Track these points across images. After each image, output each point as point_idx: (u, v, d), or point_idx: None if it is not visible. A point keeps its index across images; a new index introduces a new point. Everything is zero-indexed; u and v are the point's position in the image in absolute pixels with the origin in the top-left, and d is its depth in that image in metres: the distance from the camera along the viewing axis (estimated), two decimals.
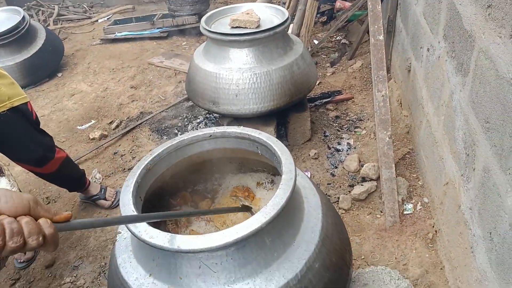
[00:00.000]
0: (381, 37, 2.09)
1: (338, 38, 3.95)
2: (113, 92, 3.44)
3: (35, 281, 1.91)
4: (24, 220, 0.65)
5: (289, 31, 3.36)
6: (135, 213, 1.04)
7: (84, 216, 2.19)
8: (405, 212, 1.89)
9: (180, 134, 2.76)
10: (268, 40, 2.11)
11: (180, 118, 2.97)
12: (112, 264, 1.15)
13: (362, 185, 2.12)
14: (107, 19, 5.17)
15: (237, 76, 2.10)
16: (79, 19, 5.29)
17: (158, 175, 1.31)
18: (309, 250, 1.09)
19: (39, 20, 5.12)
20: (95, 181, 2.38)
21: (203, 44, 2.42)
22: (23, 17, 3.57)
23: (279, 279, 1.01)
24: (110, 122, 3.05)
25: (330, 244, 1.16)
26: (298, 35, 3.32)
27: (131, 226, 0.98)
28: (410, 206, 1.91)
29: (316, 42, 3.83)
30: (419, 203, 1.91)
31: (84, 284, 1.83)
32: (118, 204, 2.21)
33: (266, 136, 1.27)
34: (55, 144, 1.93)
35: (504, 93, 1.07)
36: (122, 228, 1.21)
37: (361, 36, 3.34)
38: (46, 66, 3.73)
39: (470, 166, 1.33)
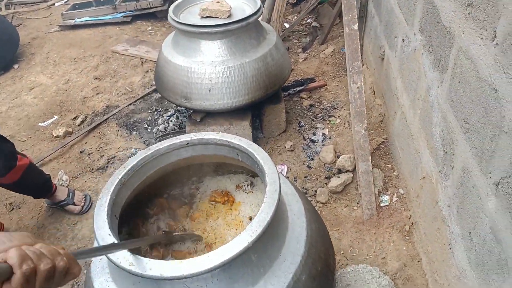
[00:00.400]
0: (356, 27, 2.05)
1: (308, 21, 3.89)
2: (75, 84, 3.25)
3: None
4: (38, 245, 0.63)
5: (260, 18, 3.27)
6: (111, 235, 0.97)
7: (52, 224, 2.07)
8: (381, 204, 1.92)
9: (151, 129, 2.66)
10: (241, 31, 2.03)
11: (149, 111, 2.85)
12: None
13: (338, 177, 2.12)
14: (65, 2, 4.85)
15: (210, 70, 2.01)
16: (34, 3, 4.93)
17: (133, 188, 1.23)
18: (295, 262, 1.07)
19: None
20: (61, 184, 2.25)
21: (171, 35, 2.30)
22: None
23: None
24: (75, 118, 2.88)
25: (315, 252, 1.15)
26: (269, 20, 3.23)
27: (112, 258, 0.92)
28: (386, 198, 1.93)
29: (287, 26, 3.75)
30: (395, 194, 1.94)
31: None
32: (88, 210, 2.12)
33: (246, 143, 1.22)
34: (16, 150, 1.80)
35: (486, 96, 1.06)
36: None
37: (332, 19, 3.30)
38: (0, 57, 3.46)
39: (449, 164, 1.34)
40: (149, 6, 4.11)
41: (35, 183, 1.91)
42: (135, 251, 0.95)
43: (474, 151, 1.14)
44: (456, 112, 1.26)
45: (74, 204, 2.07)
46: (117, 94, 3.10)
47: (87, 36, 3.97)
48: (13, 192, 2.26)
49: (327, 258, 1.20)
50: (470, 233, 1.19)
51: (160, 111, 2.82)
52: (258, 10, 2.05)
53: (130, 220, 1.36)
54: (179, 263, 0.90)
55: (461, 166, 1.24)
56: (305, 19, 3.92)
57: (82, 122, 2.83)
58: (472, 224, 1.17)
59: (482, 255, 1.11)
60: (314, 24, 3.80)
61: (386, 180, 2.04)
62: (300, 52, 3.40)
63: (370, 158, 1.94)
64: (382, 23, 2.28)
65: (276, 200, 1.02)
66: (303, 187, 2.14)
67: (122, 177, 1.16)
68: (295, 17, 3.89)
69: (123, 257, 0.92)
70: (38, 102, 3.09)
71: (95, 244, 1.15)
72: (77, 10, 4.23)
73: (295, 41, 3.60)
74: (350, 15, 2.06)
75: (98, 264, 1.10)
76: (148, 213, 1.44)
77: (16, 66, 3.57)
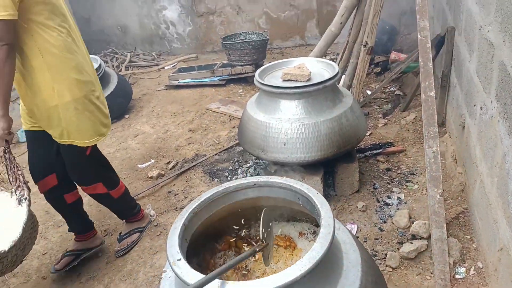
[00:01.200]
0: (432, 94, 2.08)
1: (392, 89, 3.96)
2: (172, 134, 3.69)
3: None
4: None
5: (341, 83, 3.45)
6: (179, 253, 1.11)
7: (135, 251, 2.32)
8: (456, 276, 1.79)
9: (231, 177, 2.87)
10: (318, 93, 2.20)
11: (231, 161, 3.10)
12: None
13: (411, 243, 2.04)
14: (173, 66, 5.63)
15: (286, 126, 2.18)
16: (148, 66, 5.81)
17: (204, 219, 1.39)
18: None
19: (112, 66, 5.69)
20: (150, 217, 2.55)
21: (256, 95, 2.56)
22: (100, 65, 4.00)
23: None
24: (168, 162, 3.25)
25: None
26: (349, 86, 3.38)
27: (175, 267, 1.06)
28: (462, 270, 1.80)
29: (369, 92, 3.86)
30: (473, 267, 1.80)
31: None
32: None
33: (307, 188, 1.32)
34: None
35: None
36: (167, 267, 1.28)
37: (415, 88, 3.33)
38: (116, 108, 4.10)
39: None
40: (241, 72, 4.58)
41: (129, 203, 2.35)
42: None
43: None
44: None
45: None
46: (206, 145, 3.43)
47: (187, 95, 4.52)
48: (108, 220, 2.59)
49: None
50: None
51: (240, 162, 3.05)
52: (335, 76, 2.22)
53: (200, 253, 1.50)
54: (233, 284, 0.99)
55: None
56: (389, 87, 3.99)
57: (173, 166, 3.17)
58: None
59: None
60: (397, 92, 3.85)
61: (464, 251, 1.91)
62: (380, 117, 3.44)
63: (445, 225, 1.86)
64: (463, 92, 2.27)
65: (328, 241, 1.08)
66: (373, 249, 2.10)
67: (195, 207, 1.32)
68: (378, 85, 3.98)
69: (187, 272, 1.04)
70: (140, 147, 3.56)
71: (167, 263, 1.30)
72: (182, 73, 4.88)
73: (376, 107, 3.66)
74: (427, 82, 2.10)
75: (167, 281, 1.24)
76: (217, 248, 1.56)
77: (127, 116, 4.20)
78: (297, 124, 2.17)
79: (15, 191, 1.80)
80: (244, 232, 1.66)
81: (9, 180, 1.85)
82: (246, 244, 1.62)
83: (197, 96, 4.46)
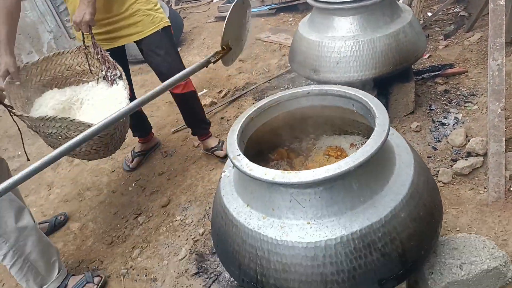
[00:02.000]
0: (502, 2, 1.90)
1: (456, 10, 3.64)
2: (223, 65, 3.73)
3: (153, 217, 2.27)
4: None
5: (400, 1, 3.22)
6: (239, 151, 1.19)
7: (194, 169, 2.50)
8: (511, 189, 1.76)
9: None
10: (374, 7, 2.09)
11: (281, 88, 3.11)
12: (216, 196, 1.35)
13: (466, 159, 2.01)
14: None
15: (340, 44, 2.13)
16: (197, 0, 5.76)
17: (259, 125, 1.46)
18: (396, 200, 1.13)
19: (163, 1, 5.71)
20: None
21: (308, 15, 2.49)
22: None
23: (363, 221, 1.08)
24: (219, 91, 3.33)
25: (420, 199, 1.18)
26: (409, 5, 3.16)
27: (235, 161, 1.15)
28: None
29: (429, 14, 3.59)
30: None
31: (191, 222, 2.13)
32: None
33: (362, 94, 1.33)
34: None
35: None
36: (226, 167, 1.39)
37: (482, 6, 3.04)
38: None
39: None
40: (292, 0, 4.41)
41: (199, 113, 2.45)
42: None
43: None
44: None
45: (221, 150, 2.49)
46: (256, 73, 3.45)
47: None
48: (168, 144, 2.78)
49: (431, 209, 1.22)
50: None
51: (290, 89, 3.05)
52: None
53: (255, 161, 1.59)
54: (288, 173, 1.06)
55: None
56: (452, 8, 3.68)
57: (225, 95, 3.26)
58: None
59: None
60: (462, 13, 3.54)
61: None
62: (441, 39, 3.22)
63: (503, 139, 1.80)
64: None
65: (382, 138, 1.10)
66: None
67: (251, 113, 1.39)
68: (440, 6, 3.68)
69: (246, 164, 1.13)
70: (192, 78, 3.65)
71: (226, 165, 1.41)
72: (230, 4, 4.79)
73: (437, 29, 3.42)
74: None
75: (226, 179, 1.35)
76: (270, 158, 1.65)
77: (179, 48, 4.27)
78: (351, 42, 2.10)
79: (107, 73, 1.92)
80: (296, 144, 1.72)
81: (90, 70, 2.00)
82: (298, 155, 1.70)
83: None
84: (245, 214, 1.18)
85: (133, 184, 2.59)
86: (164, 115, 3.23)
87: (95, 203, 2.52)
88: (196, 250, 1.97)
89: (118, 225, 2.30)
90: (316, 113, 1.55)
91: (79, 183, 2.73)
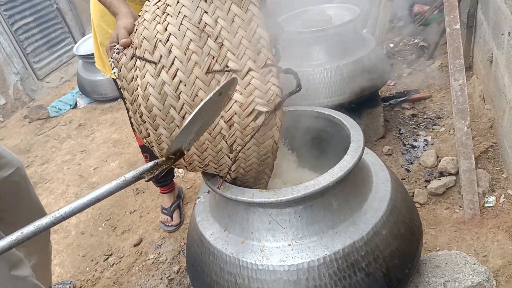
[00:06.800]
0: (457, 26, 2.02)
1: (416, 41, 3.85)
2: None
3: (124, 257, 2.14)
4: None
5: (364, 30, 3.38)
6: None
7: None
8: (486, 205, 1.78)
9: None
10: (339, 36, 2.17)
11: None
12: (191, 224, 1.29)
13: (439, 179, 2.04)
14: None
15: (308, 71, 2.18)
16: None
17: None
18: (376, 216, 1.11)
19: None
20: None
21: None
22: None
23: (345, 239, 1.05)
24: None
25: (399, 215, 1.17)
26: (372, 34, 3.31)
27: (210, 183, 1.10)
28: (492, 198, 1.79)
29: (391, 46, 3.77)
30: (503, 195, 1.79)
31: (166, 260, 2.01)
32: None
33: (335, 113, 1.34)
34: None
35: None
36: (201, 193, 1.34)
37: (439, 35, 3.23)
38: None
39: None
40: None
41: None
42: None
43: None
44: None
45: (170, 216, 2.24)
46: None
47: None
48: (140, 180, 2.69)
49: (411, 225, 1.20)
50: None
51: None
52: (356, 17, 2.18)
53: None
54: (267, 191, 1.03)
55: None
56: (412, 39, 3.89)
57: None
58: None
59: None
60: (421, 44, 3.75)
61: (493, 182, 1.90)
62: (405, 67, 3.37)
63: (473, 156, 1.84)
64: (490, 26, 2.20)
65: (358, 153, 1.10)
66: None
67: None
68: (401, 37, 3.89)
69: (223, 186, 1.09)
70: None
71: (200, 191, 1.36)
72: None
73: (400, 58, 3.59)
74: (452, 16, 2.04)
75: (201, 205, 1.29)
76: None
77: None
78: (319, 69, 2.16)
79: None
80: None
81: None
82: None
83: None
84: (222, 239, 1.13)
85: (103, 224, 2.46)
86: (135, 152, 3.15)
87: (62, 247, 2.36)
88: None
89: (87, 268, 2.15)
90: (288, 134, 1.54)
91: None
